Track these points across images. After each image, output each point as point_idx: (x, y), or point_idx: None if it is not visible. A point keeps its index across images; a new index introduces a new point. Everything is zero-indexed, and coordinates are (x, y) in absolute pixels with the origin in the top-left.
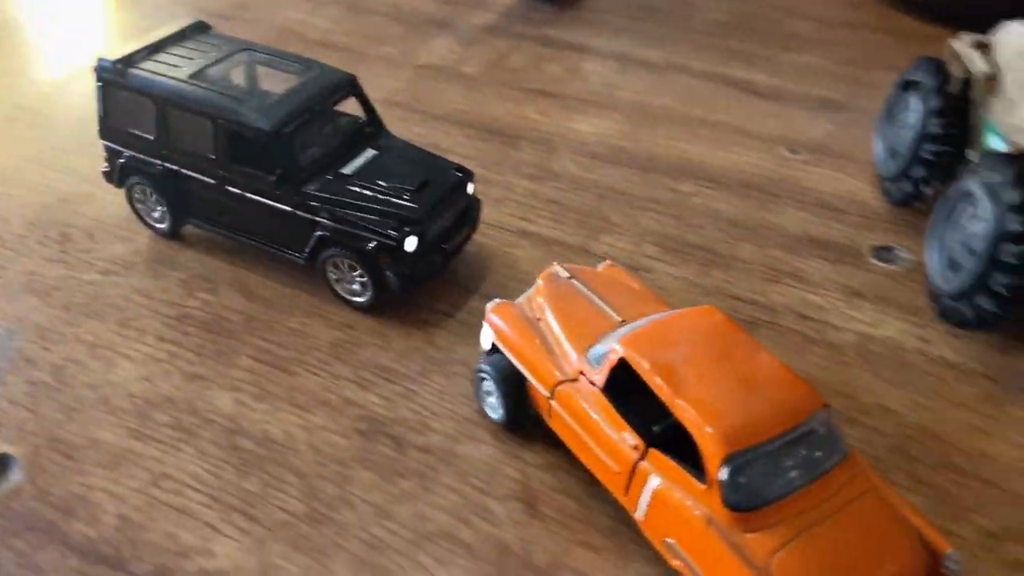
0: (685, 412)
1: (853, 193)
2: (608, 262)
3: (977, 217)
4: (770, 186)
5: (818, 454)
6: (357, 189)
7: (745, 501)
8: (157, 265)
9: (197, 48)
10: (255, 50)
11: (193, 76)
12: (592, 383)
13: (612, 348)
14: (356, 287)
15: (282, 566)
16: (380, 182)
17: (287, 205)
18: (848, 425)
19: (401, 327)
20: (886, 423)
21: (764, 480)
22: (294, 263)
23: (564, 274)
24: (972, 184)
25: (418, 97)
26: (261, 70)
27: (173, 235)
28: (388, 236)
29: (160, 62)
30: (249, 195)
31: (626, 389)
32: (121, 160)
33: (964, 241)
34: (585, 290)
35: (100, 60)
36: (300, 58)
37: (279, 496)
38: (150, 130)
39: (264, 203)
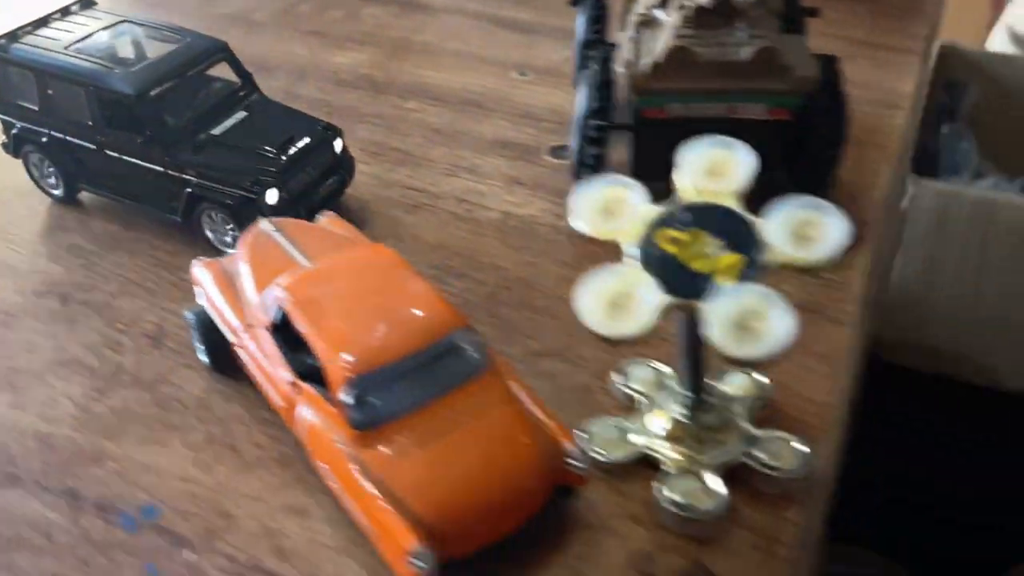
0: (315, 342)
1: (560, 106)
2: (330, 214)
3: (576, 103)
4: (488, 102)
5: (453, 370)
6: (224, 148)
7: (368, 420)
8: None
9: (79, 22)
10: (132, 22)
11: (68, 47)
12: (264, 326)
13: (275, 289)
14: (228, 239)
15: None
16: (247, 140)
17: (159, 166)
18: (456, 278)
19: (103, 216)
20: (490, 276)
21: (390, 399)
22: (173, 222)
23: (269, 228)
24: (583, 77)
25: None
26: (148, 43)
27: (69, 201)
28: (250, 189)
29: (42, 36)
30: (126, 158)
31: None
32: (14, 131)
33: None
34: (284, 241)
35: None
36: (174, 27)
37: None
38: (34, 100)
39: (139, 165)
